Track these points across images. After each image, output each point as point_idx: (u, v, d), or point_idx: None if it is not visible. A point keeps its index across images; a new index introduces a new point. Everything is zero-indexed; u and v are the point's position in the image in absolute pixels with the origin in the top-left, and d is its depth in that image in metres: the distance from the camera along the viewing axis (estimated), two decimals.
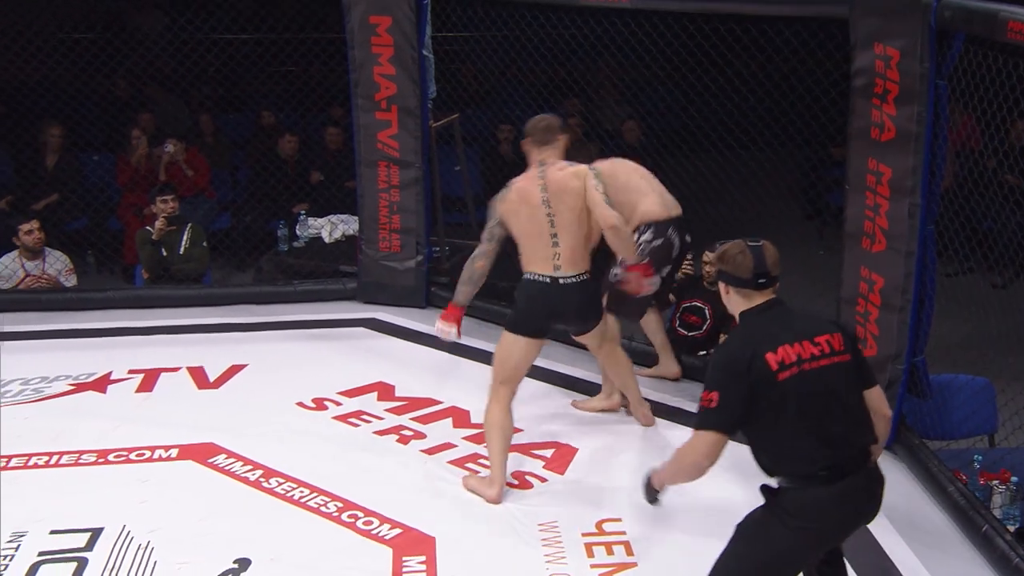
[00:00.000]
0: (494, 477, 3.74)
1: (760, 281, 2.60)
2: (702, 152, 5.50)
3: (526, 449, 4.07)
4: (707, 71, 5.10)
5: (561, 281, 3.76)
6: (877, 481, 2.58)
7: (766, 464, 2.57)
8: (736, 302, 2.65)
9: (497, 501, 3.70)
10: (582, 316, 3.94)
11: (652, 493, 2.75)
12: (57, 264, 5.82)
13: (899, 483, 3.87)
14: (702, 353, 4.86)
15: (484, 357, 4.91)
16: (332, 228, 6.43)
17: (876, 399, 2.65)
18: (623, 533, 3.47)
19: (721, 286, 2.70)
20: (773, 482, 2.56)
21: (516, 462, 3.96)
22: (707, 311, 4.90)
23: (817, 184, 6.78)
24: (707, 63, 5.02)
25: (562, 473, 3.92)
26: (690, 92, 5.32)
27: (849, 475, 2.47)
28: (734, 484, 3.82)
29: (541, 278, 3.77)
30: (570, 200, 3.75)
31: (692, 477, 2.59)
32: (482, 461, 3.95)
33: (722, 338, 4.82)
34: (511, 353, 3.81)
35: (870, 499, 2.55)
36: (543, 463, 3.98)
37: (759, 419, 2.48)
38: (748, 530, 2.57)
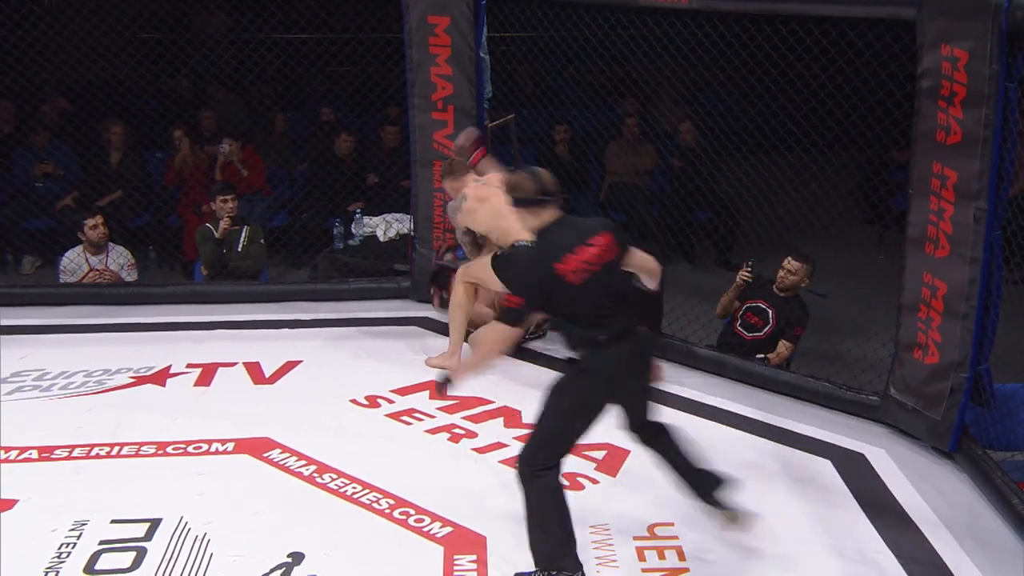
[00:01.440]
0: (453, 349, 4.63)
1: (544, 197, 3.15)
2: (761, 154, 5.44)
3: (577, 450, 4.04)
4: (767, 72, 5.04)
5: None
6: (645, 345, 3.23)
7: (565, 342, 3.25)
8: (531, 222, 3.17)
9: (455, 368, 4.05)
10: None
11: (447, 383, 3.26)
12: (120, 259, 5.94)
13: (961, 494, 3.79)
14: (760, 356, 4.83)
15: (535, 357, 4.99)
16: (387, 227, 6.46)
17: (641, 259, 3.37)
18: (676, 538, 3.44)
19: (518, 212, 3.18)
20: (574, 355, 3.20)
21: (567, 464, 3.94)
22: (771, 314, 4.89)
23: (878, 188, 6.66)
24: (767, 64, 4.96)
25: (614, 476, 3.90)
26: (750, 93, 5.26)
27: (616, 343, 3.13)
28: (787, 494, 3.78)
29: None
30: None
31: (491, 358, 3.23)
32: None
33: (781, 344, 4.82)
34: (489, 281, 4.49)
35: (638, 359, 3.23)
36: (595, 465, 3.96)
37: (556, 312, 3.20)
38: (555, 387, 3.23)
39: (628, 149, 7.25)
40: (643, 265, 3.40)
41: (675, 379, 4.72)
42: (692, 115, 7.11)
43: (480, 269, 4.67)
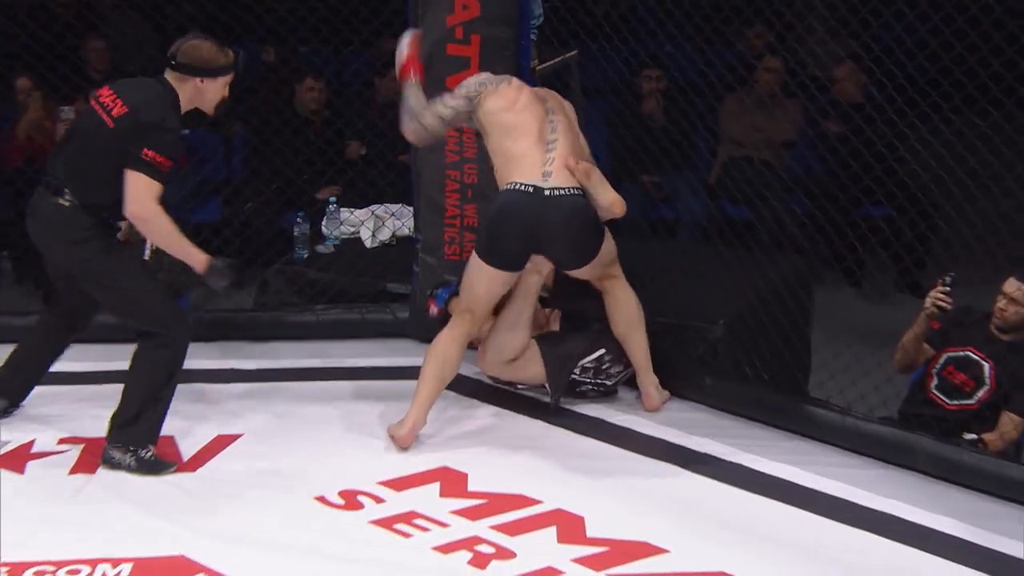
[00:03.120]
0: (409, 414, 4.76)
1: (171, 62, 4.59)
2: (971, 115, 5.34)
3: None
4: None
5: (547, 192, 4.66)
6: (44, 209, 4.57)
7: None
8: None
9: (405, 444, 4.75)
10: (571, 241, 4.77)
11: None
12: None
13: None
14: (971, 437, 4.75)
15: (604, 433, 5.03)
16: (376, 225, 6.52)
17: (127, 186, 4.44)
18: None
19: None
20: None
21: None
22: (987, 369, 4.86)
23: None
24: None
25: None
26: (955, 18, 5.14)
27: (41, 187, 4.62)
28: None
29: (522, 187, 4.67)
30: (570, 116, 4.93)
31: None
32: None
33: (1005, 417, 4.76)
34: (476, 280, 4.86)
35: (33, 212, 4.61)
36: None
37: None
38: None
39: (757, 107, 7.19)
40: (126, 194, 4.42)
41: (832, 470, 4.73)
42: (859, 53, 7.01)
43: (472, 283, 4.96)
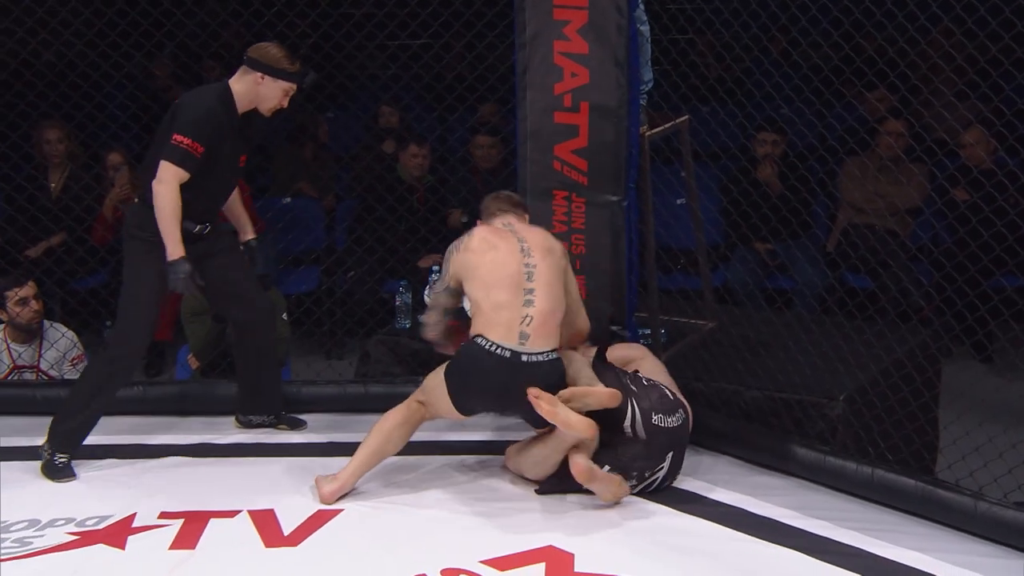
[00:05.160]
0: (341, 475, 5.02)
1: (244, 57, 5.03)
2: None
3: None
4: None
5: (524, 358, 4.80)
6: None
7: None
8: None
9: (328, 501, 4.95)
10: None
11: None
12: (61, 346, 6.09)
13: None
14: None
15: (716, 512, 4.96)
16: None
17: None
18: None
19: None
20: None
21: None
22: None
23: None
24: None
25: None
26: None
27: None
28: None
29: (499, 351, 4.79)
30: (555, 259, 4.99)
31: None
32: None
33: None
34: (440, 400, 4.97)
35: None
36: None
37: None
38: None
39: (880, 172, 7.15)
40: None
41: (965, 558, 4.62)
42: (989, 116, 6.95)
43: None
